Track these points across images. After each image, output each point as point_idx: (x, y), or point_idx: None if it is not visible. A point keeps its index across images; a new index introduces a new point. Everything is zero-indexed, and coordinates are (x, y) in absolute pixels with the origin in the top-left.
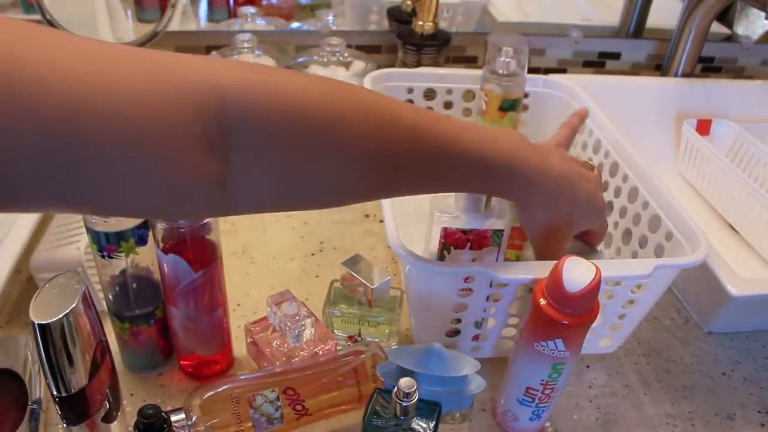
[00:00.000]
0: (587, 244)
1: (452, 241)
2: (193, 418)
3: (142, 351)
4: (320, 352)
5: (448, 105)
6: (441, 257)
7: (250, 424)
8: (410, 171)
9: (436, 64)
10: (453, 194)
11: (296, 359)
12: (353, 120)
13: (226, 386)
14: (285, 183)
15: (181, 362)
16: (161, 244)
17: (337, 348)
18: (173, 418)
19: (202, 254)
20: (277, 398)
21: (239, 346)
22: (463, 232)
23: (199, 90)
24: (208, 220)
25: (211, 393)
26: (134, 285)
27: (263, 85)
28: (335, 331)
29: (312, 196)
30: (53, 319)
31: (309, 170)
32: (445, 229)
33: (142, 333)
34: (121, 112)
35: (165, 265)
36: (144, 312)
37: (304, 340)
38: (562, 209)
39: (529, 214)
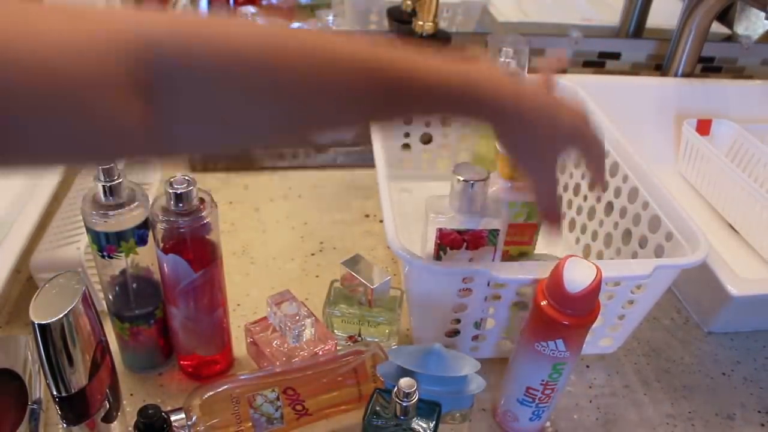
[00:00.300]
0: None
1: (448, 242)
2: (193, 418)
3: (142, 351)
4: (320, 352)
5: None
6: (437, 258)
7: (250, 424)
8: (356, 106)
9: None
10: (448, 195)
11: (296, 359)
12: (289, 59)
13: (226, 386)
14: (216, 121)
15: (181, 362)
16: (161, 244)
17: (337, 348)
18: (173, 418)
19: (202, 254)
20: (277, 398)
21: (239, 346)
22: (459, 232)
23: (122, 37)
24: (207, 219)
25: (211, 393)
26: (134, 285)
27: (188, 27)
28: (335, 331)
29: (248, 133)
30: (53, 319)
31: (241, 109)
32: (440, 230)
33: (142, 333)
34: (45, 61)
35: (165, 265)
36: (144, 312)
37: (304, 340)
38: (540, 128)
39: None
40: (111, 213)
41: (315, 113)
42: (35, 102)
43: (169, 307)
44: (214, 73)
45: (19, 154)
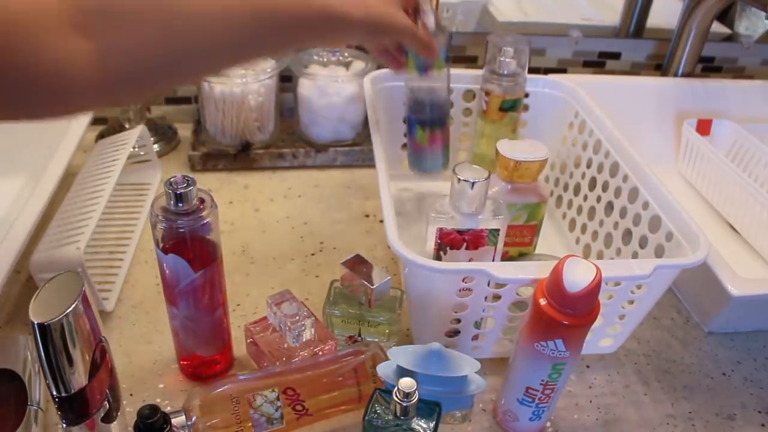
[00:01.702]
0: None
1: (448, 242)
2: (193, 419)
3: (438, 153)
4: (320, 352)
5: None
6: (437, 258)
7: (250, 424)
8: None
9: None
10: (448, 194)
11: (296, 359)
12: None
13: (226, 386)
14: (152, 50)
15: (181, 362)
16: (161, 244)
17: (337, 348)
18: (173, 419)
19: (202, 254)
20: (277, 398)
21: (239, 346)
22: (459, 232)
23: None
24: (207, 219)
25: (211, 393)
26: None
27: None
28: (335, 331)
29: (183, 64)
30: (53, 319)
31: (170, 38)
32: (440, 230)
33: (439, 138)
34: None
35: (165, 265)
36: (441, 121)
37: (304, 340)
38: None
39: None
40: None
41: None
42: None
43: (169, 307)
44: (139, 9)
45: None
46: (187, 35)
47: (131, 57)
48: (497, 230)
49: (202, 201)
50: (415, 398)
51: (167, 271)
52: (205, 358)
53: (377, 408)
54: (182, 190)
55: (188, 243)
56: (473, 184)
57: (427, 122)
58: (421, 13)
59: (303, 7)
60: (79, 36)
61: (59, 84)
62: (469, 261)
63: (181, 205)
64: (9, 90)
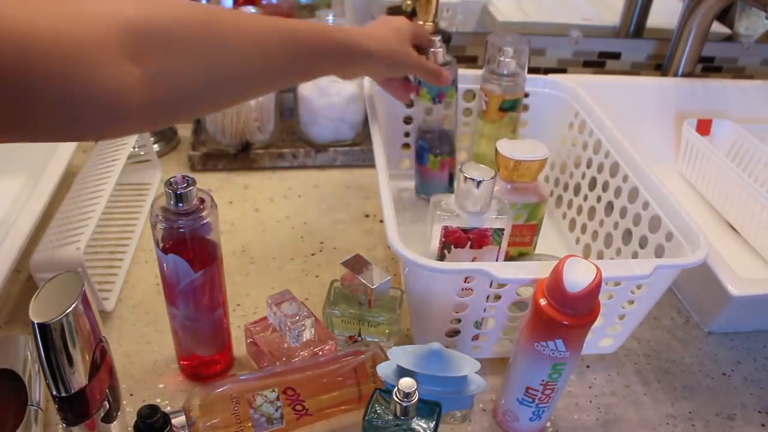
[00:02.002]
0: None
1: (452, 240)
2: (193, 419)
3: (445, 178)
4: (320, 352)
5: None
6: (441, 256)
7: (250, 424)
8: (293, 62)
9: None
10: (453, 193)
11: (296, 359)
12: (236, 25)
13: (226, 386)
14: (193, 77)
15: (182, 362)
16: (161, 244)
17: (337, 348)
18: (174, 419)
19: (202, 254)
20: (277, 398)
21: (239, 347)
22: (464, 230)
23: (106, 12)
24: (207, 219)
25: (211, 393)
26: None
27: (154, 3)
28: (335, 331)
29: (220, 90)
30: (53, 319)
31: (211, 66)
32: (445, 228)
33: (447, 163)
34: (53, 39)
35: (165, 265)
36: (449, 148)
37: (304, 340)
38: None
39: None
40: None
41: (264, 68)
42: (50, 72)
43: (169, 307)
44: (185, 40)
45: (28, 119)
46: (228, 64)
47: (177, 83)
48: (501, 230)
49: (202, 201)
50: (415, 398)
51: (167, 271)
52: (205, 358)
53: (377, 408)
54: (182, 191)
55: (188, 243)
56: (479, 183)
57: (437, 150)
58: (431, 51)
59: (326, 40)
60: (132, 62)
61: (114, 106)
62: (473, 260)
63: (181, 205)
64: (70, 110)
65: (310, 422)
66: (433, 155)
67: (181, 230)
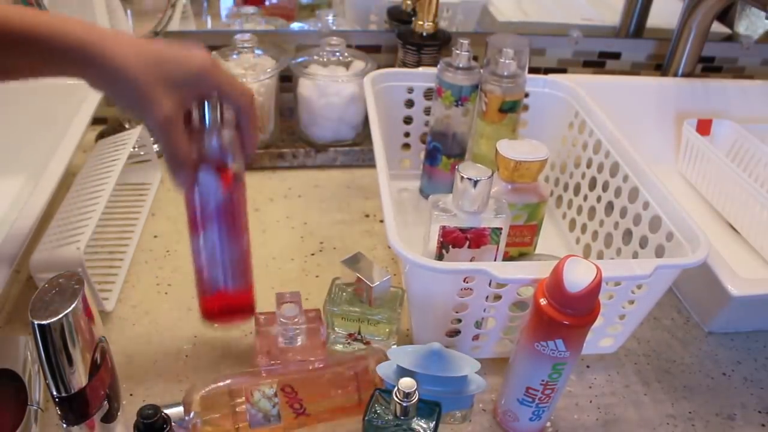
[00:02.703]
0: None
1: (450, 240)
2: (192, 413)
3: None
4: (308, 363)
5: None
6: (439, 256)
7: (247, 419)
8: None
9: (436, 64)
10: (451, 193)
11: (297, 359)
12: None
13: (225, 382)
14: None
15: (205, 303)
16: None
17: (339, 350)
18: (170, 412)
19: (227, 176)
20: (275, 394)
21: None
22: (462, 230)
23: None
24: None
25: (210, 388)
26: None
27: None
28: (336, 328)
29: None
30: (53, 319)
31: None
32: (443, 228)
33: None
34: None
35: (196, 187)
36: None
37: (296, 345)
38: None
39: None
40: None
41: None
42: None
43: (194, 239)
44: None
45: None
46: None
47: None
48: (499, 229)
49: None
50: (415, 398)
51: (199, 190)
52: (229, 301)
53: (377, 408)
54: None
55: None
56: (476, 182)
57: (451, 152)
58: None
59: (60, 32)
60: None
61: None
62: (471, 260)
63: None
64: None
65: (309, 423)
66: (446, 156)
67: None
